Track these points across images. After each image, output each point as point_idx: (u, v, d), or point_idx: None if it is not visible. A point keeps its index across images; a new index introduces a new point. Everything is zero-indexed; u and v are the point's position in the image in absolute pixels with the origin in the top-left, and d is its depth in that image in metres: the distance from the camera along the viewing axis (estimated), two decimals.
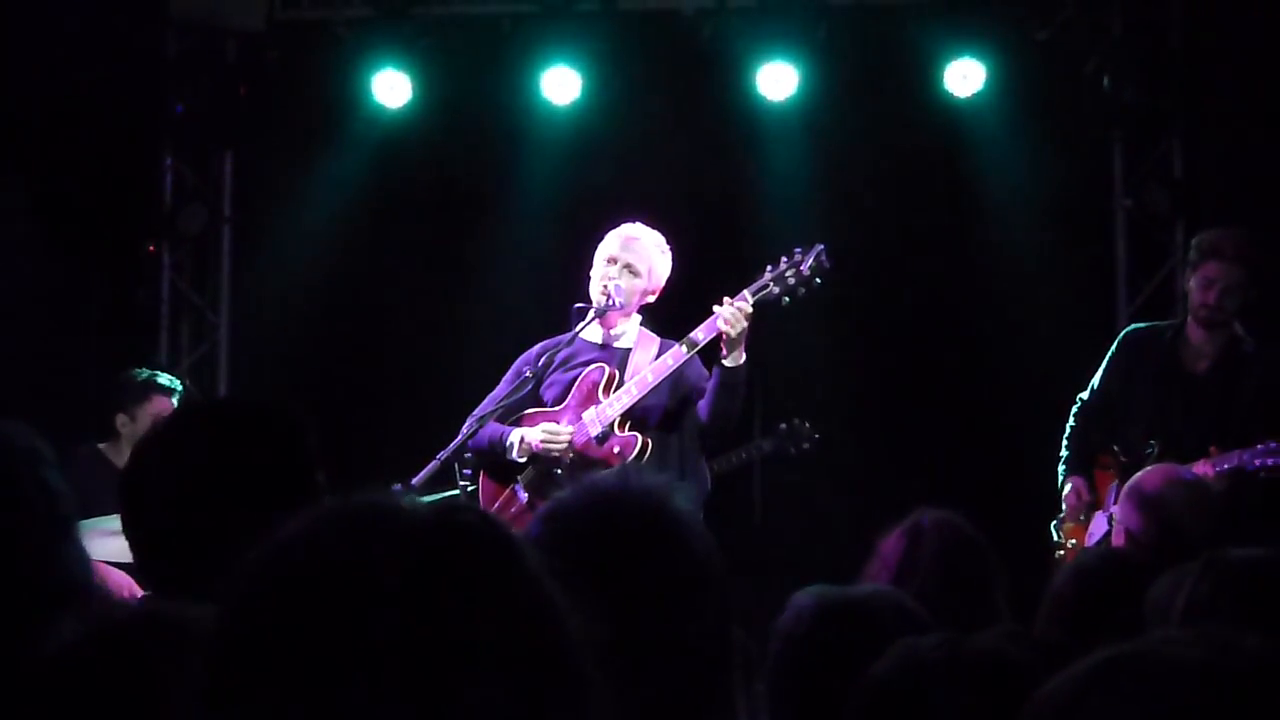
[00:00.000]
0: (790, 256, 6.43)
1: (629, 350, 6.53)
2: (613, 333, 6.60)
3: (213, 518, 2.58)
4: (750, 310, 6.23)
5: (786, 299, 6.38)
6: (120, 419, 7.73)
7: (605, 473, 2.34)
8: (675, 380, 6.40)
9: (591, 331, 6.58)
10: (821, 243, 6.48)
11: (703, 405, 6.34)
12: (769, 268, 6.42)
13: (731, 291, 6.32)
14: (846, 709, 2.28)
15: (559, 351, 6.51)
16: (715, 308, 6.26)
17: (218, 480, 2.67)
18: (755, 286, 6.35)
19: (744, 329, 6.20)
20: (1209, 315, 6.88)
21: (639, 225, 6.64)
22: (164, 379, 7.86)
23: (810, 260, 6.41)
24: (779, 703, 2.78)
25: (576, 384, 6.47)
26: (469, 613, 1.22)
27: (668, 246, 6.64)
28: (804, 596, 2.91)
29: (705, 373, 6.40)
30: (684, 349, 6.32)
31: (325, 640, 1.20)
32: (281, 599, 1.24)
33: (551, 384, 6.53)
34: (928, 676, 2.21)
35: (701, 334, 6.29)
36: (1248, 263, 6.81)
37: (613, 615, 1.31)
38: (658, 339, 6.54)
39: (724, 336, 6.19)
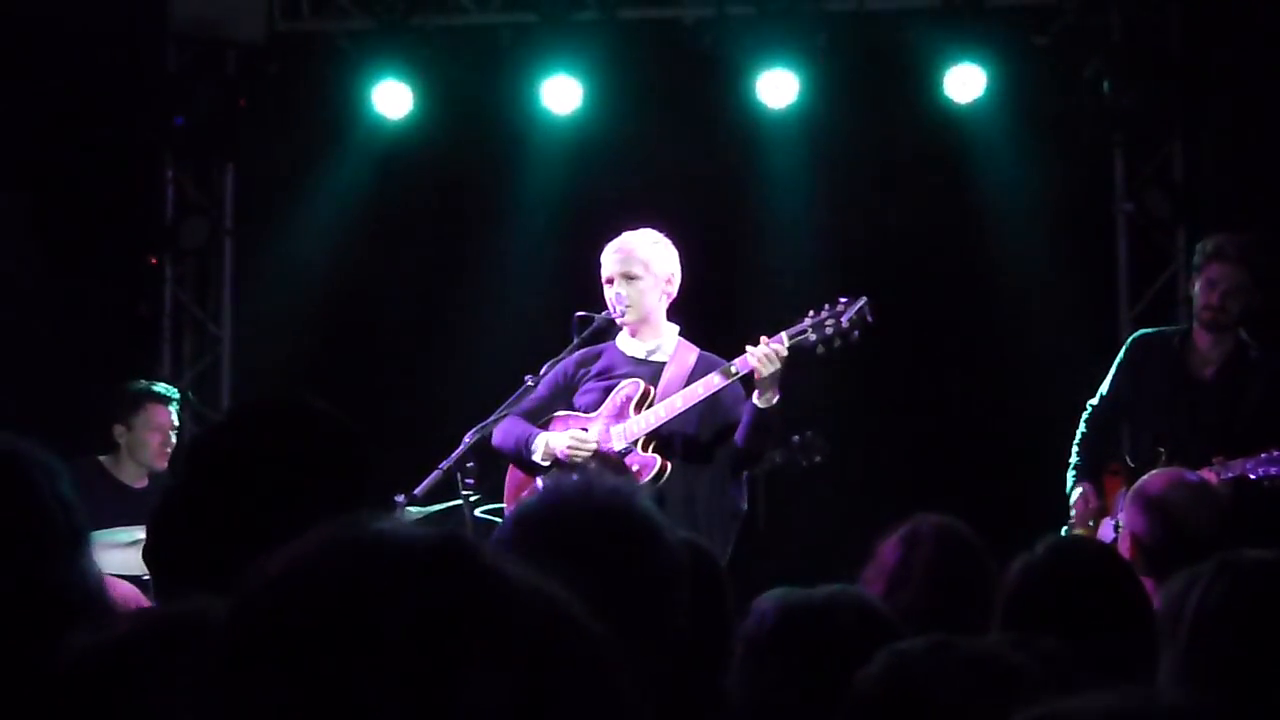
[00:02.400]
0: (833, 305, 6.28)
1: (664, 364, 6.48)
2: (648, 345, 6.54)
3: (260, 521, 2.53)
4: (785, 354, 6.12)
5: (822, 348, 6.23)
6: (118, 429, 7.76)
7: (570, 475, 2.35)
8: (710, 406, 6.32)
9: (629, 343, 6.55)
10: (866, 295, 6.32)
11: (738, 436, 6.28)
12: (810, 313, 6.28)
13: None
14: (836, 714, 2.28)
15: (591, 363, 6.50)
16: (749, 347, 6.16)
17: (271, 482, 2.63)
18: (793, 331, 6.21)
19: (776, 371, 6.10)
20: (1212, 317, 6.87)
21: (626, 233, 6.57)
22: (159, 388, 7.90)
23: (852, 313, 6.25)
24: (743, 705, 2.78)
25: (611, 395, 6.43)
26: (463, 645, 1.23)
27: (663, 237, 6.56)
28: (766, 600, 2.90)
29: (744, 396, 6.32)
30: (718, 378, 6.24)
31: (318, 663, 1.22)
32: (277, 622, 1.25)
33: (587, 391, 6.50)
34: (915, 680, 2.21)
35: (737, 366, 6.20)
36: (1251, 266, 6.81)
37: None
38: (696, 350, 6.49)
39: (756, 376, 6.11)
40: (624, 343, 6.56)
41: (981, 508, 5.70)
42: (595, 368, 6.52)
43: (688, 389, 6.31)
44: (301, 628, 1.24)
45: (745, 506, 6.59)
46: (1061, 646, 2.69)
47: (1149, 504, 5.04)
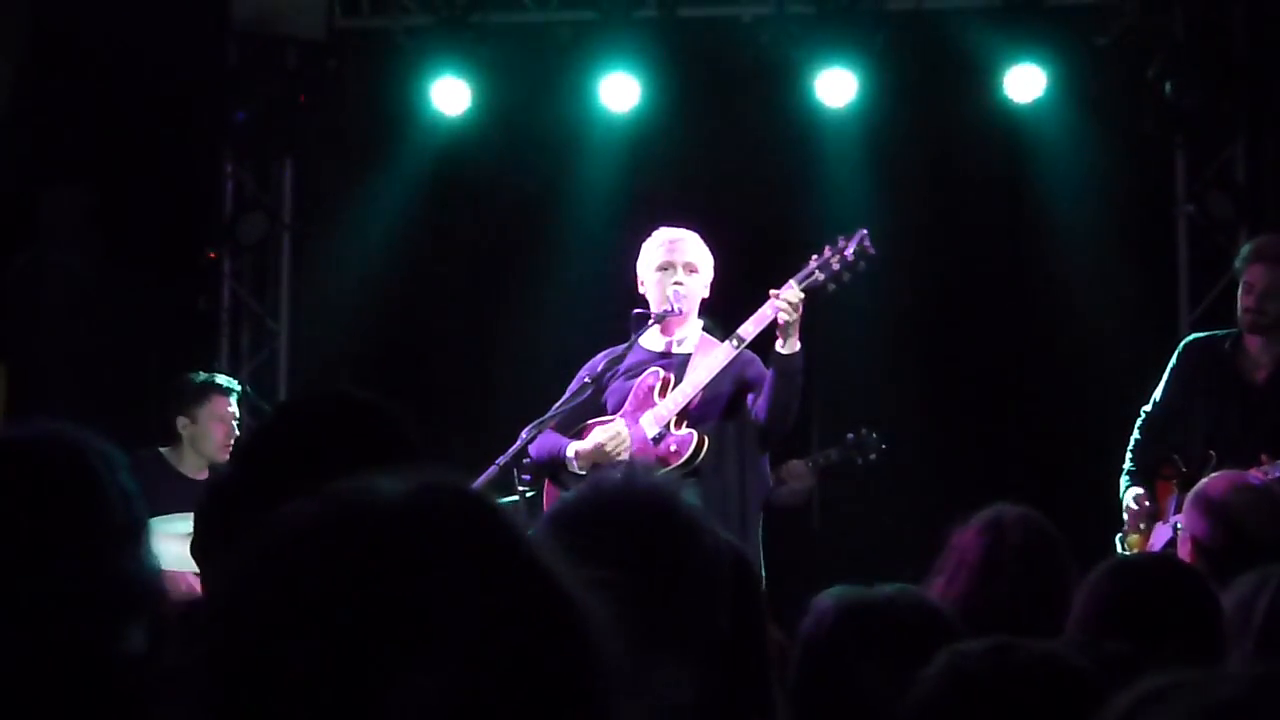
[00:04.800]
0: (834, 244, 6.52)
1: (689, 355, 6.54)
2: (674, 339, 6.61)
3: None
4: (801, 297, 6.26)
5: (833, 285, 6.46)
6: (181, 421, 7.79)
7: (610, 471, 2.32)
8: (735, 377, 6.42)
9: (653, 340, 6.60)
10: (864, 228, 6.56)
11: (760, 403, 6.34)
12: (814, 256, 6.48)
13: None
14: (896, 716, 2.26)
15: (621, 360, 6.54)
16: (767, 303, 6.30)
17: (319, 475, 2.60)
18: (801, 275, 6.40)
19: (797, 317, 6.22)
20: (1251, 320, 6.84)
21: (674, 228, 6.69)
22: (222, 379, 7.94)
23: (854, 245, 6.49)
24: (801, 706, 2.76)
25: (633, 390, 6.48)
26: (434, 593, 1.21)
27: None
28: (825, 599, 2.88)
29: (766, 371, 6.39)
30: (732, 345, 6.35)
31: (288, 624, 1.21)
32: (260, 584, 1.26)
33: (613, 392, 6.56)
34: (975, 682, 2.19)
35: (750, 327, 6.33)
36: None
37: (625, 614, 1.27)
38: (719, 342, 6.53)
39: (779, 324, 6.20)
40: (648, 340, 6.62)
41: (1037, 509, 5.66)
42: (621, 366, 6.58)
43: (706, 360, 6.40)
44: (252, 596, 1.25)
45: (771, 484, 6.70)
46: (1127, 649, 2.66)
47: (1210, 507, 4.99)
